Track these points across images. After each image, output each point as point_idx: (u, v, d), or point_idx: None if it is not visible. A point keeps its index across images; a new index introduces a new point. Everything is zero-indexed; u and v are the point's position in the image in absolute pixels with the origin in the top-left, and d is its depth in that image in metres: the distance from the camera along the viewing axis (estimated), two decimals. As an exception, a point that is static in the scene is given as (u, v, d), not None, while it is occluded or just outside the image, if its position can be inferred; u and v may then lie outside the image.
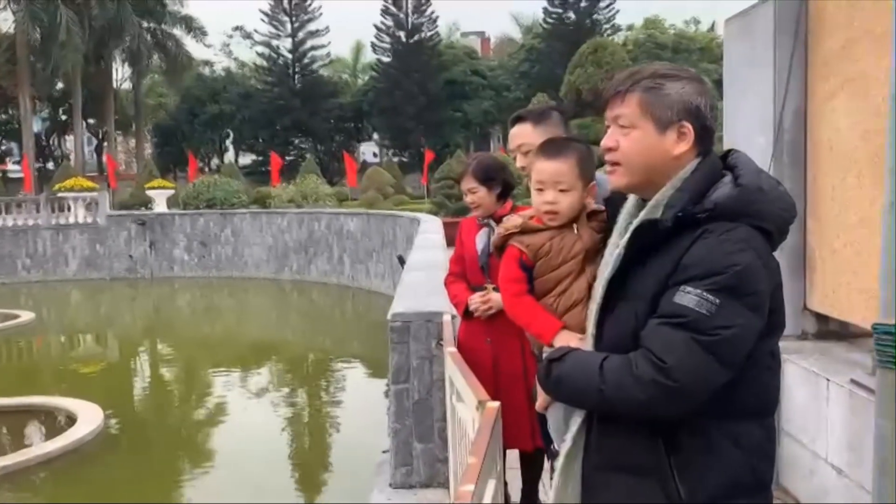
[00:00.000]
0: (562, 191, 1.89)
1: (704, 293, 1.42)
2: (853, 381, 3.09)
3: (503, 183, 3.07)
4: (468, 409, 2.35)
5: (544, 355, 1.72)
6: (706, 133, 1.57)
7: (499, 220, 3.10)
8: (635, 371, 1.45)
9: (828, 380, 3.07)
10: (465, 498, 1.49)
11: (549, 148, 1.97)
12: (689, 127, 1.54)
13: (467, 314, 3.04)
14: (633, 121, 1.55)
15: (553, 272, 1.86)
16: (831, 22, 3.48)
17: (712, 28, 47.25)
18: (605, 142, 1.59)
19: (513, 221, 1.98)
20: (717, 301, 1.41)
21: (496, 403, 2.09)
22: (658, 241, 1.50)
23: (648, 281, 1.50)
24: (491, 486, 1.81)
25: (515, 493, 3.19)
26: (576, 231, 1.88)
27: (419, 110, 42.84)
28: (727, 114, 4.35)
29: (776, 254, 1.52)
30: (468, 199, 3.11)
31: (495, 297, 2.97)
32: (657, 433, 1.49)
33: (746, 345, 1.45)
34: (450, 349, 2.83)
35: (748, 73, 4.01)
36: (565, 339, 1.72)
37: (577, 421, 1.62)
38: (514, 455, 3.08)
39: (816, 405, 3.14)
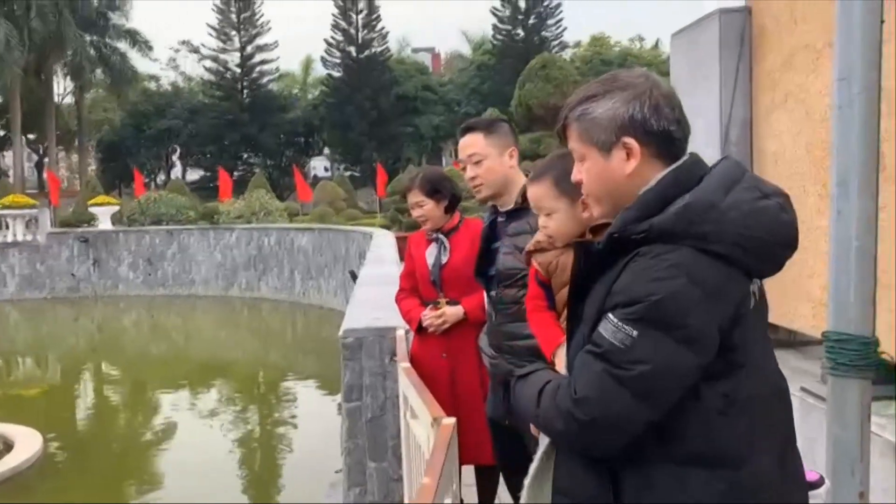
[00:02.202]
0: (546, 215, 1.90)
1: (621, 323, 1.31)
2: (803, 389, 3.13)
3: (450, 195, 3.05)
4: (423, 426, 2.29)
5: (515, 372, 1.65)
6: (659, 137, 1.41)
7: (447, 234, 3.07)
8: (556, 400, 1.39)
9: (779, 388, 3.10)
10: (420, 520, 1.43)
11: (532, 173, 1.97)
12: (631, 140, 1.41)
13: (420, 330, 3.00)
14: (580, 152, 1.49)
15: (564, 289, 1.83)
16: (774, 36, 3.57)
17: (656, 45, 48.42)
18: (574, 176, 1.54)
19: (534, 238, 2.00)
20: (634, 333, 1.29)
21: (451, 420, 2.05)
22: (605, 263, 1.40)
23: (592, 304, 1.41)
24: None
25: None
26: None
27: (371, 125, 42.79)
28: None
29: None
30: (416, 213, 3.08)
31: (449, 311, 2.93)
32: (603, 469, 1.40)
33: (673, 382, 1.31)
34: (403, 365, 2.77)
35: (694, 86, 4.07)
36: (563, 355, 1.66)
37: (548, 444, 1.56)
38: (469, 471, 3.03)
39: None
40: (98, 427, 10.74)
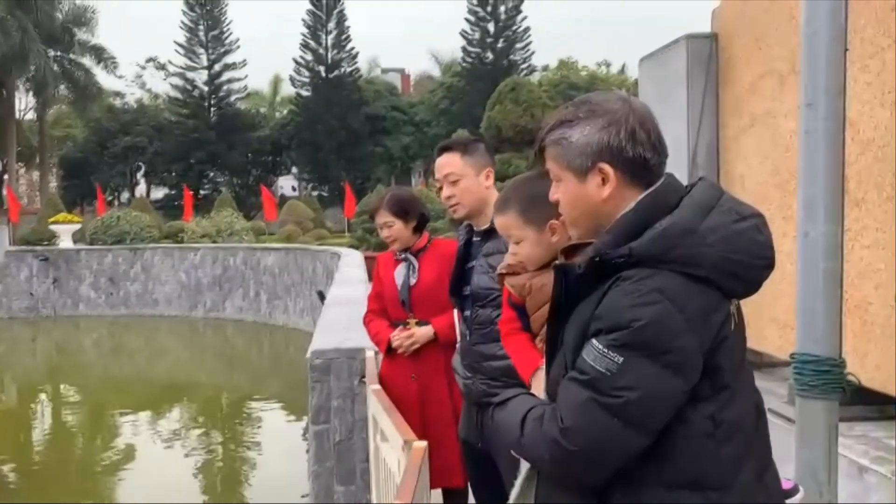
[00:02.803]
0: (516, 242, 1.92)
1: (606, 350, 1.30)
2: (770, 410, 3.15)
3: (419, 216, 3.05)
4: (393, 449, 2.26)
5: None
6: (634, 164, 1.42)
7: (416, 254, 3.06)
8: (543, 427, 1.37)
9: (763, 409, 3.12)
10: (392, 547, 1.39)
11: (496, 203, 1.99)
12: (607, 167, 1.41)
13: (390, 351, 2.97)
14: (557, 174, 1.50)
15: (538, 311, 1.87)
16: (740, 61, 3.64)
17: (622, 70, 49.29)
18: (551, 196, 1.54)
19: (506, 262, 2.01)
20: (620, 360, 1.29)
21: (423, 443, 2.02)
22: (585, 287, 1.40)
23: (573, 329, 1.40)
24: (419, 531, 1.73)
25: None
26: None
27: (339, 145, 42.73)
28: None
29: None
30: (384, 233, 3.07)
31: (418, 332, 2.90)
32: (593, 494, 1.39)
33: (661, 407, 1.31)
34: (373, 387, 2.73)
35: (662, 110, 4.13)
36: (541, 379, 1.65)
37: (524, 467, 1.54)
38: (437, 494, 2.99)
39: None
40: (55, 450, 10.44)
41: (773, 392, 3.40)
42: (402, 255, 3.06)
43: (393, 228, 3.01)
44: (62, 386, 14.81)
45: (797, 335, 2.50)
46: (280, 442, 10.12)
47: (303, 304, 17.28)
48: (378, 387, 2.79)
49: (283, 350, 16.89)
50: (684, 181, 3.93)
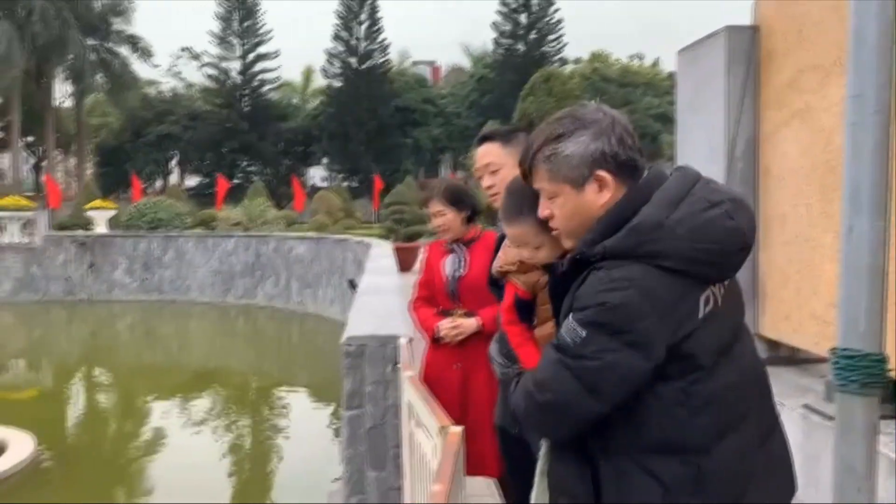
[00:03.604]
0: (536, 247, 1.94)
1: (574, 324, 1.44)
2: (806, 406, 3.13)
3: (471, 207, 3.07)
4: (429, 435, 2.28)
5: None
6: (626, 167, 1.52)
7: (467, 244, 3.09)
8: (523, 382, 1.55)
9: (781, 404, 3.09)
10: (432, 527, 1.42)
11: (504, 212, 2.01)
12: (604, 173, 1.51)
13: (435, 339, 3.00)
14: (551, 190, 1.57)
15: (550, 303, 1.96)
16: (780, 54, 3.59)
17: (656, 63, 48.69)
18: (541, 212, 1.62)
19: (510, 257, 2.04)
20: (584, 334, 1.42)
21: (459, 428, 2.03)
22: (570, 281, 1.52)
23: (562, 316, 1.53)
24: (456, 514, 1.75)
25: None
26: None
27: (369, 136, 42.89)
28: (680, 143, 4.43)
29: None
30: (436, 221, 3.09)
31: (465, 323, 2.93)
32: (584, 462, 1.51)
33: (619, 380, 1.42)
34: (408, 373, 2.76)
35: (701, 103, 4.09)
36: None
37: (546, 443, 1.66)
38: (473, 486, 3.02)
39: (770, 430, 3.16)
40: (88, 432, 10.67)
41: (811, 389, 3.37)
42: (453, 246, 3.09)
43: (445, 217, 3.04)
44: (96, 369, 15.09)
45: (839, 330, 2.47)
46: (309, 428, 10.24)
47: (332, 292, 17.42)
48: (413, 373, 2.82)
49: (312, 338, 17.05)
50: (722, 175, 3.88)
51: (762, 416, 1.59)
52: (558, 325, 1.59)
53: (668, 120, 41.09)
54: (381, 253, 11.52)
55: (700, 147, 4.06)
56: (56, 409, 11.95)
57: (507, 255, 2.07)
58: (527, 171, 1.62)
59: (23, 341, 18.19)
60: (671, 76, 44.87)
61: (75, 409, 12.39)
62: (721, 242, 1.45)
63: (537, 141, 1.58)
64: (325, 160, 49.35)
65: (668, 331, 1.41)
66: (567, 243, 1.60)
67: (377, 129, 43.00)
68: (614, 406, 1.44)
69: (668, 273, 1.41)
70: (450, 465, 1.75)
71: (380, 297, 5.23)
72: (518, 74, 36.35)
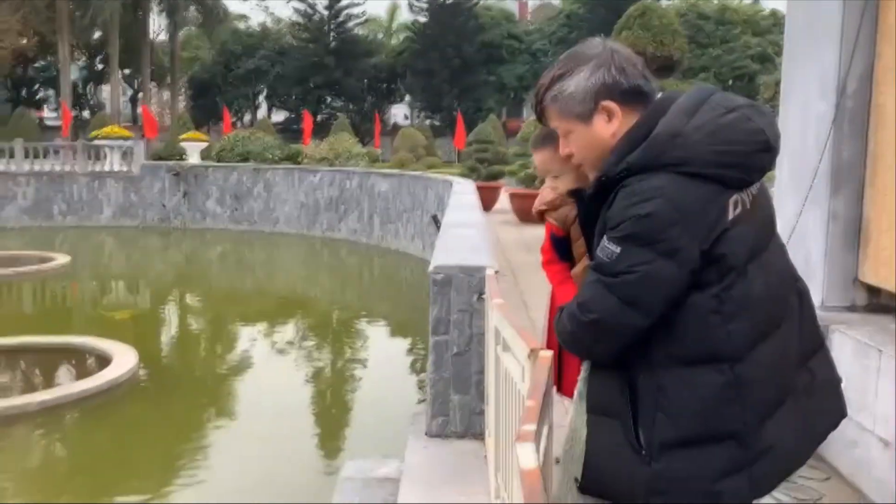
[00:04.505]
0: (555, 177, 2.09)
1: (608, 242, 1.50)
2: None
3: None
4: (517, 359, 2.33)
5: None
6: (633, 93, 1.58)
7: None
8: (568, 307, 1.61)
9: (880, 350, 3.01)
10: (526, 438, 1.47)
11: (533, 139, 2.16)
12: (609, 103, 1.58)
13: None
14: (564, 128, 1.65)
15: (582, 237, 2.04)
16: (906, -16, 3.34)
17: (756, 0, 45.97)
18: (562, 152, 1.70)
19: (544, 197, 2.19)
20: (618, 250, 1.47)
21: (549, 352, 2.07)
22: (599, 204, 1.57)
23: (595, 240, 1.59)
24: (545, 430, 1.80)
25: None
26: None
27: (453, 73, 42.48)
28: (786, 79, 4.23)
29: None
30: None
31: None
32: (624, 379, 1.56)
33: (656, 290, 1.47)
34: (497, 300, 2.81)
35: (811, 37, 3.88)
36: None
37: (585, 365, 1.75)
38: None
39: (865, 376, 3.08)
40: (182, 351, 11.30)
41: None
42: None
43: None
44: (189, 293, 15.90)
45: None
46: (388, 358, 10.55)
47: (413, 229, 17.65)
48: (502, 301, 2.87)
49: (393, 273, 17.40)
50: (830, 113, 3.70)
51: (802, 335, 1.61)
52: (591, 254, 1.66)
53: (766, 60, 38.93)
54: (464, 190, 11.55)
55: (809, 84, 3.86)
56: (152, 328, 12.71)
57: (541, 196, 2.22)
58: (539, 115, 1.70)
59: (123, 264, 19.31)
60: (773, 14, 42.30)
61: (170, 329, 13.13)
62: (741, 143, 1.47)
63: (543, 84, 1.65)
64: (407, 98, 49.33)
65: (699, 235, 1.45)
66: (591, 175, 1.65)
67: (461, 66, 42.52)
68: (655, 317, 1.49)
69: (694, 179, 1.45)
70: (542, 382, 1.80)
71: (465, 230, 5.28)
72: (609, 10, 35.00)
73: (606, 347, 1.56)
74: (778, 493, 3.12)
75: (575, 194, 1.72)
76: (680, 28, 17.07)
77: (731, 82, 39.58)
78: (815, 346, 1.65)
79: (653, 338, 1.52)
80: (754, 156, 1.49)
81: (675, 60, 16.53)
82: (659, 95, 1.61)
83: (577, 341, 1.62)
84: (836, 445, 3.27)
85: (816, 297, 3.52)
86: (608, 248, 1.49)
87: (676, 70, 17.09)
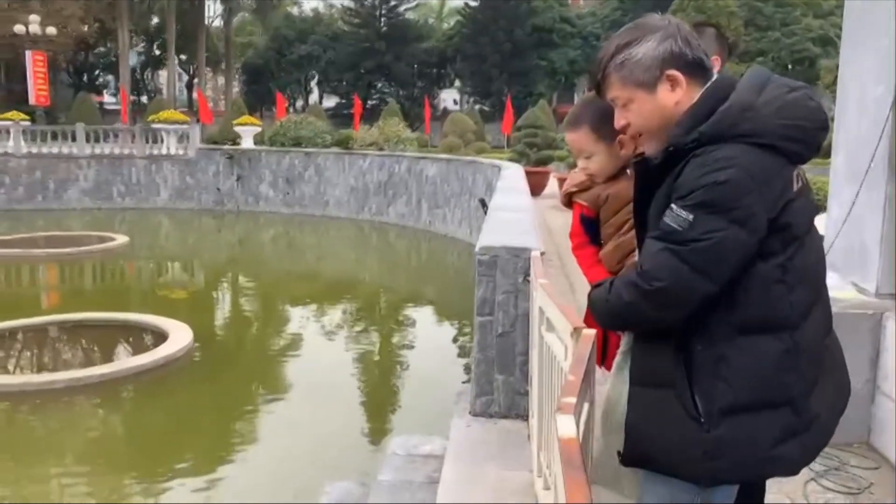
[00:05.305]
0: (587, 157, 2.12)
1: (680, 210, 1.51)
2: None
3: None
4: (560, 338, 2.36)
5: None
6: (696, 64, 1.61)
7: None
8: (624, 278, 1.63)
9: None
10: (566, 409, 1.51)
11: (567, 120, 2.21)
12: (674, 72, 1.60)
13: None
14: (625, 97, 1.66)
15: (614, 217, 2.11)
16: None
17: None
18: (617, 123, 1.71)
19: (574, 180, 2.22)
20: (691, 217, 1.49)
21: (592, 331, 2.10)
22: (661, 176, 1.59)
23: (655, 209, 1.60)
24: (586, 406, 1.83)
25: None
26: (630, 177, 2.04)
27: (504, 57, 42.22)
28: (843, 64, 4.12)
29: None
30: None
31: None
32: (678, 350, 1.58)
33: (728, 256, 1.49)
34: (541, 280, 2.84)
35: (869, 21, 3.77)
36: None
37: (627, 339, 1.79)
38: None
39: (918, 365, 3.02)
40: (234, 331, 11.58)
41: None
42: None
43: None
44: (242, 274, 16.26)
45: None
46: (435, 341, 10.65)
47: (461, 214, 17.69)
48: (546, 281, 2.89)
49: (440, 257, 17.50)
50: (889, 97, 3.61)
51: (826, 311, 1.68)
52: (640, 227, 1.69)
53: (828, 42, 37.62)
54: (513, 174, 11.53)
55: (866, 67, 3.76)
56: (206, 307, 13.06)
57: (570, 179, 2.25)
58: (599, 84, 1.71)
59: (179, 245, 19.84)
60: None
61: (223, 308, 13.48)
62: (806, 120, 1.54)
63: (607, 52, 1.67)
64: (457, 82, 49.23)
65: (768, 204, 1.50)
66: (648, 146, 1.68)
67: (512, 51, 42.22)
68: (723, 285, 1.52)
69: (763, 150, 1.50)
70: (583, 360, 1.83)
71: (512, 213, 5.30)
72: (664, -6, 34.27)
73: (670, 316, 1.57)
74: (826, 481, 3.09)
75: (638, 165, 1.70)
76: (737, 10, 16.66)
77: (790, 66, 38.39)
78: (829, 324, 1.70)
79: (713, 307, 1.55)
80: (815, 133, 1.55)
81: (731, 43, 16.16)
82: (717, 75, 1.64)
83: (635, 313, 1.61)
84: (887, 435, 3.22)
85: (870, 285, 3.45)
86: (679, 215, 1.51)
87: (732, 54, 16.69)
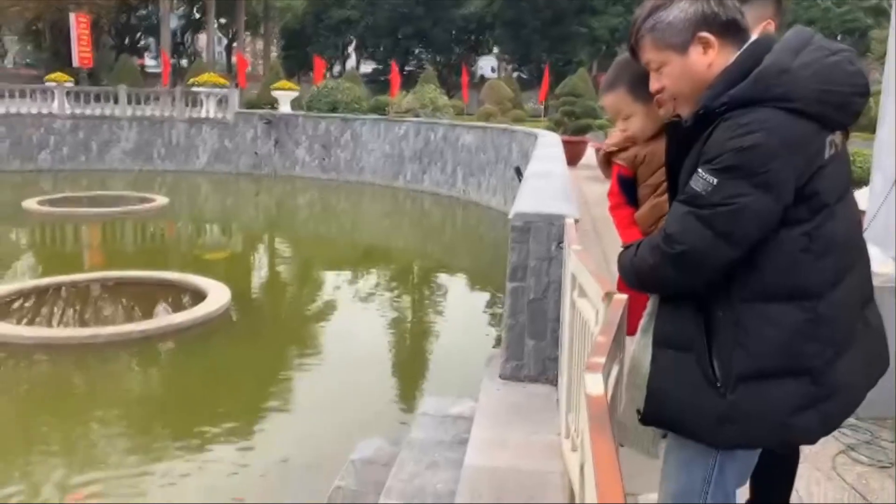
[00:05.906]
0: (625, 118, 2.12)
1: (705, 174, 1.49)
2: None
3: None
4: (591, 303, 2.38)
5: None
6: (730, 26, 1.58)
7: None
8: (650, 240, 1.64)
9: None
10: (595, 369, 1.53)
11: (603, 83, 2.17)
12: (707, 34, 1.58)
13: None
14: (658, 60, 1.64)
15: (651, 177, 2.12)
16: None
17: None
18: (652, 87, 1.69)
19: (612, 140, 2.23)
20: (715, 181, 1.48)
21: (624, 296, 2.11)
22: (692, 139, 1.57)
23: (685, 173, 1.58)
24: (615, 368, 1.86)
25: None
26: None
27: (543, 24, 41.56)
28: (893, 34, 4.01)
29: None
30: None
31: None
32: (700, 314, 1.58)
33: (751, 222, 1.48)
34: (575, 247, 2.85)
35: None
36: None
37: (653, 301, 1.81)
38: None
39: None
40: (270, 293, 11.78)
41: None
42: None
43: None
44: (278, 238, 16.48)
45: None
46: (466, 309, 10.71)
47: (496, 182, 17.63)
48: (580, 247, 2.90)
49: (475, 226, 17.50)
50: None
51: (863, 280, 1.65)
52: (672, 190, 1.68)
53: (881, 13, 36.31)
54: (549, 142, 11.44)
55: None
56: (243, 269, 13.30)
57: (610, 139, 2.25)
58: (633, 47, 1.70)
59: (217, 208, 20.14)
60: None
61: (259, 270, 13.70)
62: (844, 85, 1.50)
63: (641, 15, 1.66)
64: (495, 49, 48.66)
65: (796, 171, 1.47)
66: (683, 109, 1.65)
67: (552, 17, 41.53)
68: (746, 251, 1.51)
69: (796, 115, 1.46)
70: (613, 323, 1.85)
71: (547, 181, 5.29)
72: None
73: (692, 280, 1.57)
74: (857, 454, 3.09)
75: (670, 127, 1.69)
76: (786, -22, 16.13)
77: (839, 37, 37.18)
78: (869, 295, 1.68)
79: (735, 273, 1.54)
80: (854, 99, 1.52)
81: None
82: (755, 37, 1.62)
83: (658, 275, 1.62)
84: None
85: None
86: (704, 179, 1.50)
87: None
